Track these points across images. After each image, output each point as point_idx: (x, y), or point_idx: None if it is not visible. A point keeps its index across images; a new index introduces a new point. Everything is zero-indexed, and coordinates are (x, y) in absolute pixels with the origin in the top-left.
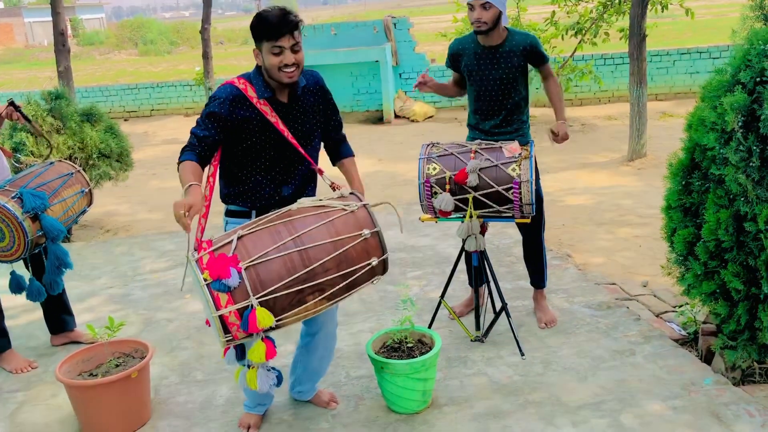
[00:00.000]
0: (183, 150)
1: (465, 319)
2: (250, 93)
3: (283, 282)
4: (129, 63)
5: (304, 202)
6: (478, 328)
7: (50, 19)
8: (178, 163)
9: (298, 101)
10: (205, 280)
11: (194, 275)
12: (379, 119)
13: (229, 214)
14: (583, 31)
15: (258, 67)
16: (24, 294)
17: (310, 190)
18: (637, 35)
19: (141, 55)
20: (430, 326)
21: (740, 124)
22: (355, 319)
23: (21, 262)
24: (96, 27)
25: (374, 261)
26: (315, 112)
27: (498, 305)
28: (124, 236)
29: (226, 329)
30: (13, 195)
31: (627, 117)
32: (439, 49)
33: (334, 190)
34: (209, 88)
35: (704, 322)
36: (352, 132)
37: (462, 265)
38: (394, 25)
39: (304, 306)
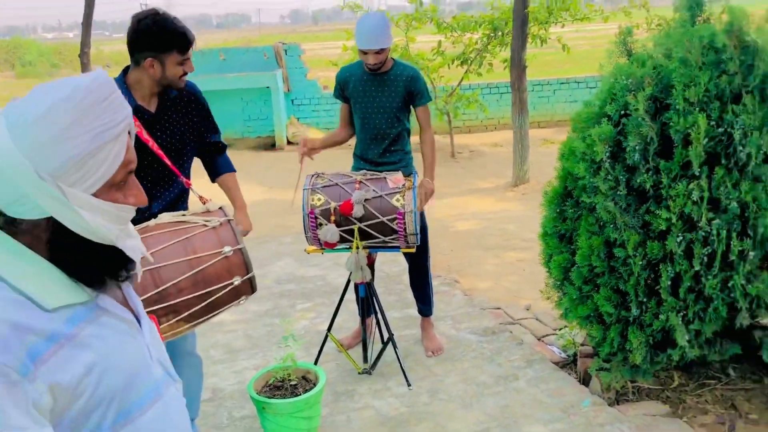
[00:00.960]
0: None
1: (353, 351)
2: None
3: None
4: (6, 86)
5: (164, 217)
6: (365, 360)
7: None
8: None
9: (167, 111)
10: None
11: None
12: (271, 145)
13: None
14: (469, 62)
15: (123, 73)
16: None
17: (181, 205)
18: (517, 66)
19: (19, 77)
20: (316, 361)
21: (608, 154)
22: (240, 356)
23: None
24: None
25: (237, 280)
26: (186, 123)
27: (386, 335)
28: None
29: None
30: None
31: (511, 144)
32: (330, 76)
33: (204, 203)
34: None
35: (582, 344)
36: (243, 159)
37: (351, 295)
38: (285, 51)
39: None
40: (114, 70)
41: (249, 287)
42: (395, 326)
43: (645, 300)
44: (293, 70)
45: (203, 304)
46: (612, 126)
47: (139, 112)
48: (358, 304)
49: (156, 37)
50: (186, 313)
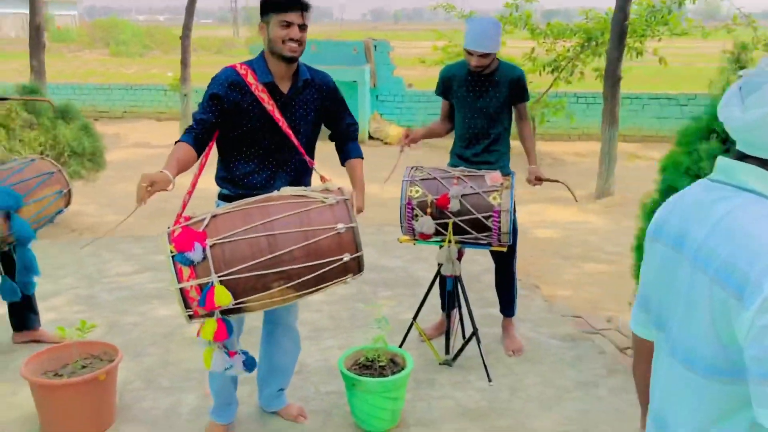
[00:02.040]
0: (183, 131)
1: (434, 342)
2: (250, 79)
3: (247, 264)
4: (100, 63)
5: (286, 190)
6: (447, 351)
7: (18, 11)
8: (175, 143)
9: (298, 93)
10: (171, 252)
11: (164, 247)
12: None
13: (221, 197)
14: (560, 69)
15: (261, 54)
16: None
17: (304, 183)
18: (612, 77)
19: (112, 55)
20: (401, 346)
21: None
22: (324, 336)
23: None
24: (68, 24)
25: (346, 257)
26: (315, 109)
27: (468, 330)
28: (90, 237)
29: (186, 303)
30: None
31: (595, 155)
32: (414, 74)
33: (323, 182)
34: (185, 95)
35: None
36: (326, 151)
37: (434, 289)
38: (375, 47)
39: (268, 292)
40: (199, 54)
41: (356, 266)
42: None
43: None
44: (381, 66)
45: (313, 275)
46: (720, 143)
47: (274, 91)
48: (441, 297)
49: (264, 1)
50: (296, 281)
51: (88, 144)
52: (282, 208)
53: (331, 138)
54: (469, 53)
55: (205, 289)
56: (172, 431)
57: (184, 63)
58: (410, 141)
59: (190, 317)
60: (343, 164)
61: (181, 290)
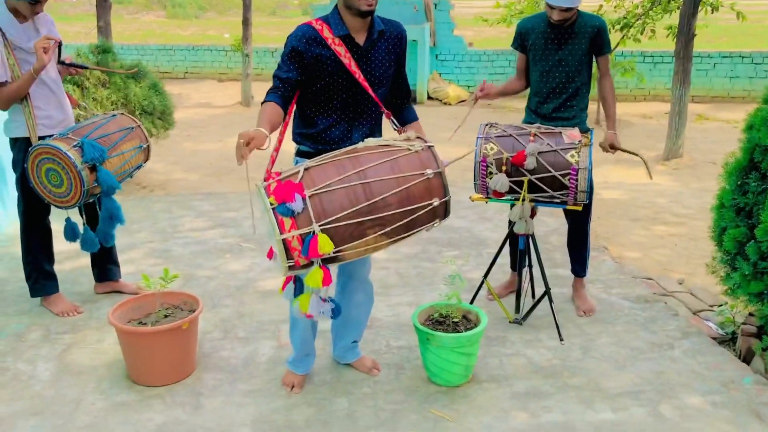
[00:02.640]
0: (267, 92)
1: (504, 301)
2: (326, 33)
3: (345, 212)
4: (158, 24)
5: (370, 141)
6: (517, 310)
7: None
8: (262, 104)
9: (374, 45)
10: (271, 204)
11: (261, 201)
12: (412, 99)
13: (299, 154)
14: (629, 27)
15: (335, 9)
16: (78, 242)
17: (377, 135)
18: (685, 34)
19: (169, 17)
20: (471, 304)
21: None
22: (393, 292)
23: (76, 210)
24: None
25: (436, 201)
26: (389, 60)
27: (538, 291)
28: (161, 194)
29: (288, 254)
30: (74, 144)
31: (662, 116)
32: (472, 34)
33: (400, 133)
34: (246, 55)
35: (744, 323)
36: None
37: (503, 249)
38: (435, 5)
39: (363, 240)
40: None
41: (444, 210)
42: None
43: None
44: (441, 24)
45: (405, 221)
46: None
47: (350, 43)
48: (512, 256)
49: None
50: (389, 228)
51: (157, 103)
52: (371, 157)
53: (390, 98)
54: (551, 7)
55: (307, 239)
56: (251, 379)
57: (246, 22)
58: (484, 95)
59: (290, 268)
60: (399, 127)
61: (284, 241)
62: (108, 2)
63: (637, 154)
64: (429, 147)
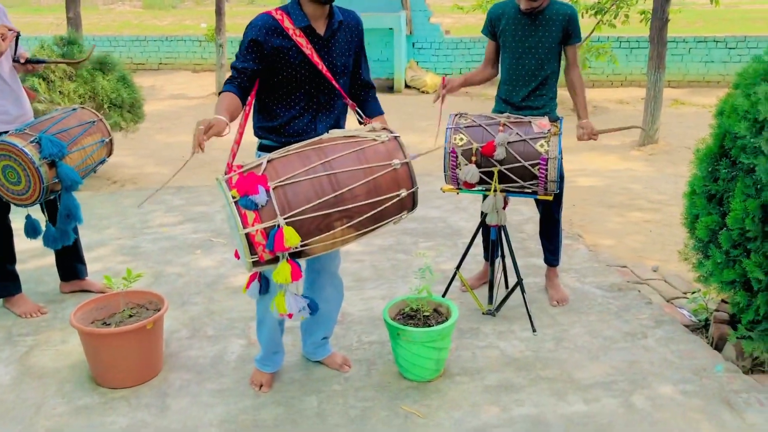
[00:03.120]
0: (225, 82)
1: (477, 292)
2: (287, 24)
3: (311, 204)
4: (133, 15)
5: (335, 132)
6: (490, 301)
7: None
8: (219, 94)
9: (334, 34)
10: (234, 197)
11: (223, 194)
12: (389, 88)
13: (261, 148)
14: (604, 12)
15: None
16: (39, 239)
17: (341, 126)
18: (659, 19)
19: (145, 8)
20: (443, 296)
21: None
22: (367, 286)
23: (38, 207)
24: None
25: (403, 192)
26: (350, 50)
27: (511, 281)
28: (132, 189)
29: (252, 249)
30: (32, 139)
31: (638, 102)
32: (449, 22)
33: (365, 124)
34: (220, 45)
35: (716, 310)
36: None
37: (476, 239)
38: None
39: (331, 233)
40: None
41: (411, 201)
42: None
43: None
44: (417, 12)
45: (372, 213)
46: None
47: (311, 34)
48: (485, 246)
49: None
50: (357, 220)
51: (126, 95)
52: (337, 148)
53: (352, 93)
54: None
55: (272, 233)
56: (219, 378)
57: (219, 12)
58: (448, 90)
59: (255, 263)
60: (364, 118)
61: (247, 236)
62: None
63: (621, 128)
64: (395, 137)
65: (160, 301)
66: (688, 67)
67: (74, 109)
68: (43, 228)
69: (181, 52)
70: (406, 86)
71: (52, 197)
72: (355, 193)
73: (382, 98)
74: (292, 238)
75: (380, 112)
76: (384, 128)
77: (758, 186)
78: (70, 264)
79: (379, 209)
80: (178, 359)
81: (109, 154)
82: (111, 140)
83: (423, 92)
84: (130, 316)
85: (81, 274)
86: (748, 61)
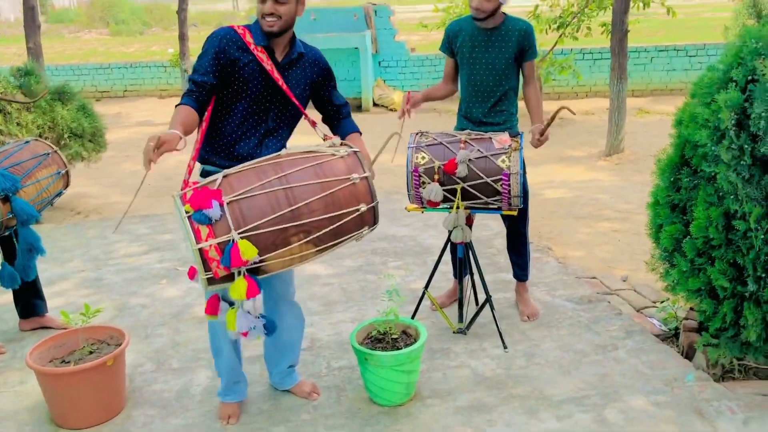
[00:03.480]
0: (182, 95)
1: (447, 311)
2: (248, 38)
3: (267, 218)
4: (100, 42)
5: (295, 147)
6: (461, 320)
7: None
8: (176, 107)
9: (292, 64)
10: (187, 212)
11: (177, 210)
12: (357, 107)
13: (204, 174)
14: (565, 25)
15: (257, 20)
16: None
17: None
18: (619, 31)
19: (112, 35)
20: (413, 317)
21: (733, 121)
22: (336, 309)
23: None
24: (65, 5)
25: (363, 207)
26: (305, 83)
27: (480, 297)
28: (96, 219)
29: (206, 265)
30: None
31: (604, 112)
32: (416, 39)
33: (325, 140)
34: (185, 70)
35: (686, 318)
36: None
37: (445, 256)
38: (375, 12)
39: (288, 248)
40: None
41: (372, 217)
42: (489, 289)
43: (764, 275)
44: (382, 31)
45: (331, 228)
46: (739, 92)
47: (271, 54)
48: (453, 264)
49: None
50: (315, 235)
51: (87, 124)
52: (295, 162)
53: (326, 118)
54: None
55: (227, 248)
56: (185, 413)
57: (182, 37)
58: (411, 107)
59: (210, 281)
60: (325, 135)
61: (200, 251)
62: (36, 23)
63: (554, 116)
64: (354, 152)
65: (121, 336)
66: (651, 76)
67: (27, 142)
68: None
69: (146, 79)
70: (374, 104)
71: (6, 233)
72: (312, 208)
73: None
74: (248, 251)
75: (355, 130)
76: (344, 143)
77: (720, 194)
78: (29, 301)
79: (338, 224)
80: (142, 394)
81: (66, 185)
82: (67, 172)
83: (391, 110)
84: (91, 352)
85: (40, 311)
86: (706, 67)
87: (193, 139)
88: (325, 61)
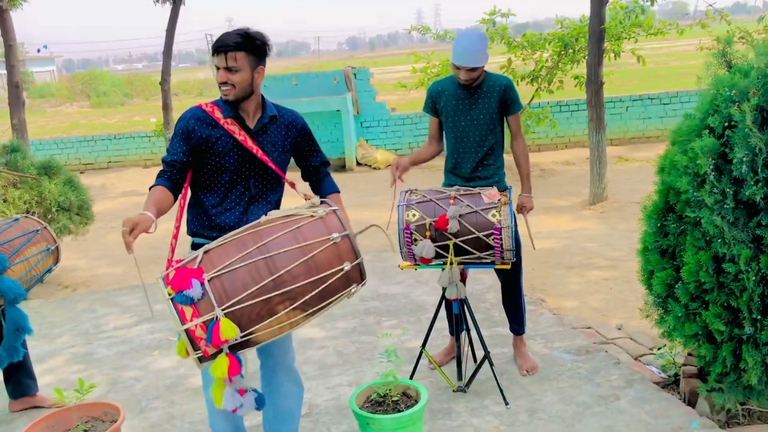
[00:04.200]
0: (156, 176)
1: (446, 368)
2: (217, 114)
3: (249, 291)
4: (82, 115)
5: (273, 213)
6: (460, 377)
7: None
8: (150, 188)
9: (265, 129)
10: (169, 294)
11: (161, 292)
12: (341, 167)
13: (195, 247)
14: (539, 79)
15: None
16: None
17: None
18: (594, 83)
19: (93, 107)
20: (411, 377)
21: (712, 167)
22: (332, 372)
23: None
24: (47, 80)
25: (347, 266)
26: (282, 146)
27: (478, 353)
28: (85, 292)
29: (194, 345)
30: None
31: (584, 162)
32: (395, 99)
33: (306, 200)
34: (168, 140)
35: (684, 364)
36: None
37: (440, 313)
38: (354, 75)
39: (276, 317)
40: (182, 98)
41: (358, 274)
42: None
43: (760, 317)
44: (362, 93)
45: (317, 291)
46: (715, 138)
47: (241, 123)
48: (449, 320)
49: None
50: (301, 301)
51: (74, 198)
52: (273, 229)
53: (305, 177)
54: (457, 68)
55: (210, 326)
56: None
57: (166, 107)
58: (401, 172)
59: (200, 360)
60: (305, 194)
61: (187, 332)
62: (21, 99)
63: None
64: (333, 211)
65: (116, 412)
66: (628, 125)
67: (16, 219)
68: None
69: (130, 149)
70: (358, 164)
71: None
72: (294, 274)
73: (335, 177)
74: (228, 331)
75: (335, 191)
76: (323, 202)
77: (707, 238)
78: (19, 380)
79: (322, 287)
80: None
81: (56, 261)
82: (57, 247)
83: (375, 168)
84: (85, 431)
85: (31, 390)
86: (682, 115)
87: (174, 216)
88: (302, 121)
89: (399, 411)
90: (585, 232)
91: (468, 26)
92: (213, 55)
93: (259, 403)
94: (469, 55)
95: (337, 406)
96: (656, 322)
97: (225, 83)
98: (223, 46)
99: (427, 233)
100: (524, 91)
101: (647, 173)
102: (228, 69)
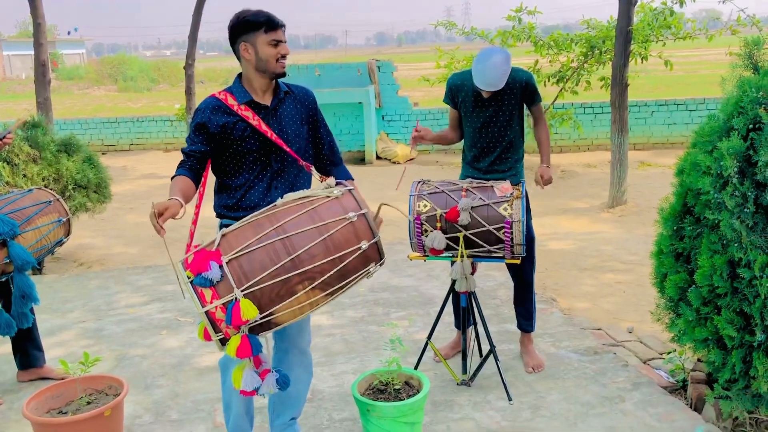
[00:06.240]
0: (177, 166)
1: (451, 362)
2: (230, 101)
3: (268, 272)
4: (108, 98)
5: (290, 195)
6: (464, 371)
7: (29, 53)
8: (171, 179)
9: (281, 103)
10: (189, 277)
11: (181, 277)
12: (360, 160)
13: (223, 228)
14: (565, 80)
15: (237, 79)
16: None
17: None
18: (619, 84)
19: (120, 91)
20: (416, 368)
21: (736, 169)
22: (338, 360)
23: None
24: (76, 62)
25: (364, 244)
26: (299, 119)
27: (485, 348)
28: (99, 270)
29: (215, 327)
30: None
31: (606, 165)
32: (419, 95)
33: (322, 181)
34: (189, 124)
35: (693, 370)
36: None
37: (448, 307)
38: (378, 68)
39: (295, 297)
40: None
41: (376, 252)
42: (493, 340)
43: None
44: (385, 86)
45: (336, 270)
46: (741, 140)
47: (256, 106)
48: (456, 314)
49: (244, 21)
50: (320, 280)
51: (92, 176)
52: (289, 211)
53: (318, 167)
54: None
55: (230, 307)
56: None
57: (189, 92)
58: (420, 138)
59: (223, 341)
60: (321, 176)
61: (208, 314)
62: (47, 78)
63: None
64: (349, 191)
65: (120, 386)
66: (652, 129)
67: (30, 191)
68: None
69: (152, 133)
70: (378, 157)
71: (3, 279)
72: (312, 254)
73: (355, 170)
74: (248, 311)
75: (348, 178)
76: (339, 183)
77: (723, 242)
78: (27, 351)
79: (341, 265)
80: None
81: (67, 234)
82: (68, 220)
83: (394, 162)
84: (88, 402)
85: (38, 362)
86: (706, 116)
87: (193, 202)
88: (312, 95)
89: (400, 399)
90: (602, 234)
91: (497, 26)
92: (268, 31)
93: (281, 383)
94: (492, 82)
95: (340, 393)
96: (667, 326)
97: (285, 56)
98: (280, 22)
99: (438, 224)
100: (549, 92)
101: (669, 179)
102: (280, 43)
